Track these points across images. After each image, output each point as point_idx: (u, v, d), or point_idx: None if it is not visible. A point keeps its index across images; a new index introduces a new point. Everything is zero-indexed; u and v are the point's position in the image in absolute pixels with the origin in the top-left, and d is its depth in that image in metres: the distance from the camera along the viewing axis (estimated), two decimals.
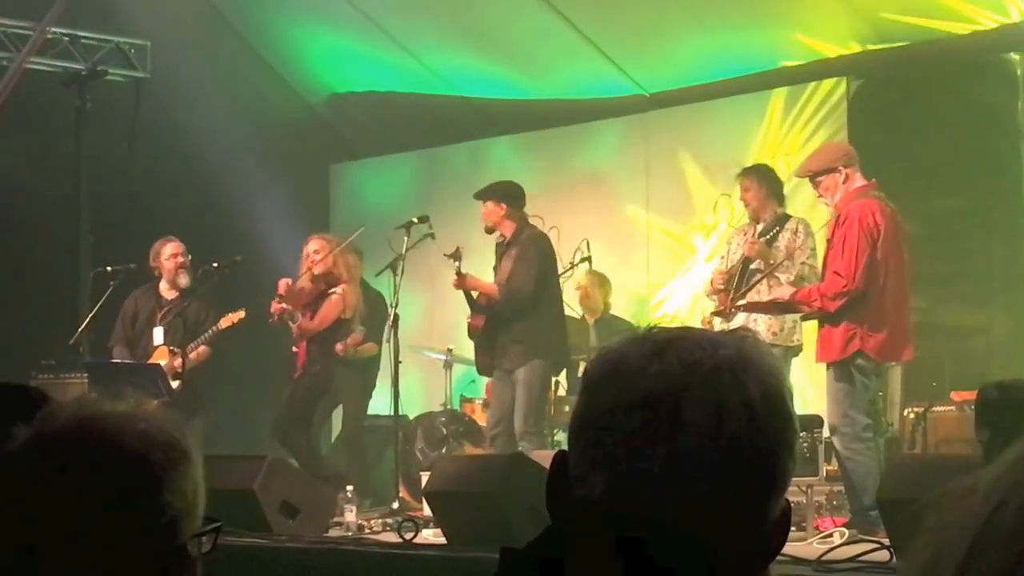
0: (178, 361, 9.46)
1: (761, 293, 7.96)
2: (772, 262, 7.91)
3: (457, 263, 8.98)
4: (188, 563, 1.61)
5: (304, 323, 9.44)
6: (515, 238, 8.98)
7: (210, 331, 9.55)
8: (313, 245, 9.59)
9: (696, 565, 1.34)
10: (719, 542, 1.34)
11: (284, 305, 9.38)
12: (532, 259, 8.84)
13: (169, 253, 9.84)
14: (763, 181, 8.23)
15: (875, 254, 7.04)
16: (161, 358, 9.64)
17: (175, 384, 9.39)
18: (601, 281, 10.45)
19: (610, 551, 1.35)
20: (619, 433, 1.35)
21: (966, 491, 0.91)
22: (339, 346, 9.62)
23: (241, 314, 9.47)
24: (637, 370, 1.36)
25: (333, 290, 9.49)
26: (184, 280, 9.81)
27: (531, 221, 9.19)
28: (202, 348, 9.61)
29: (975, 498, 0.89)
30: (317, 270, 9.48)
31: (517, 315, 8.76)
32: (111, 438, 1.58)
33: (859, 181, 7.24)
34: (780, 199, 8.25)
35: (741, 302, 7.91)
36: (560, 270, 9.57)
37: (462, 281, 8.97)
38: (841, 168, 7.23)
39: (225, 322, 9.50)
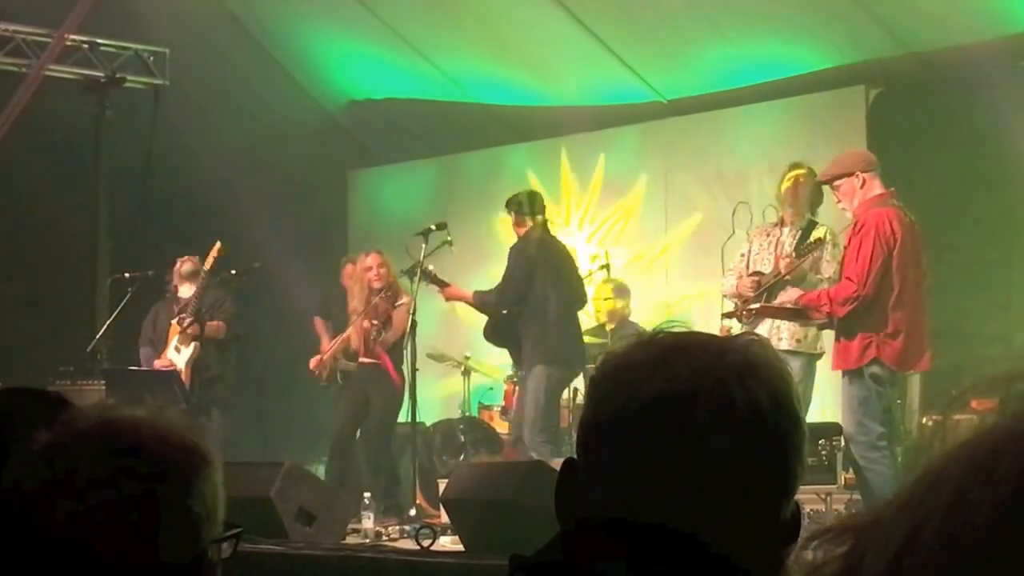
0: (191, 329, 9.61)
1: (780, 299, 7.95)
2: (803, 278, 7.89)
3: (434, 283, 9.37)
4: (208, 568, 1.61)
5: (386, 336, 9.58)
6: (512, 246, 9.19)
7: (201, 275, 9.73)
8: (374, 259, 9.71)
9: (706, 569, 1.34)
10: (728, 546, 1.34)
11: (371, 322, 9.54)
12: (511, 265, 9.03)
13: (178, 267, 10.11)
14: (815, 183, 8.12)
15: (890, 262, 7.03)
16: (174, 334, 9.79)
17: (190, 349, 9.54)
18: (620, 290, 10.41)
19: (619, 557, 1.35)
20: (627, 438, 1.36)
21: (871, 523, 0.90)
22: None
23: (217, 245, 9.78)
24: (645, 375, 1.36)
25: (400, 302, 9.64)
26: (188, 288, 10.00)
27: (550, 227, 9.28)
28: (217, 323, 9.77)
29: (878, 532, 0.88)
30: (377, 284, 9.58)
31: (506, 317, 8.98)
32: (132, 442, 1.58)
33: (878, 189, 7.22)
34: (814, 209, 8.16)
35: (753, 306, 7.88)
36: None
37: (448, 293, 9.42)
38: (858, 173, 7.21)
39: (208, 262, 9.69)
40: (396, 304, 9.66)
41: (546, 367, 8.86)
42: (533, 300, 8.98)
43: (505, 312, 9.04)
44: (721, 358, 1.36)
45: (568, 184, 11.97)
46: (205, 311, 9.70)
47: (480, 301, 9.22)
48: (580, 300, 9.23)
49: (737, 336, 1.44)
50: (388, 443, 9.60)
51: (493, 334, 9.27)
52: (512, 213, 9.18)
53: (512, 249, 9.17)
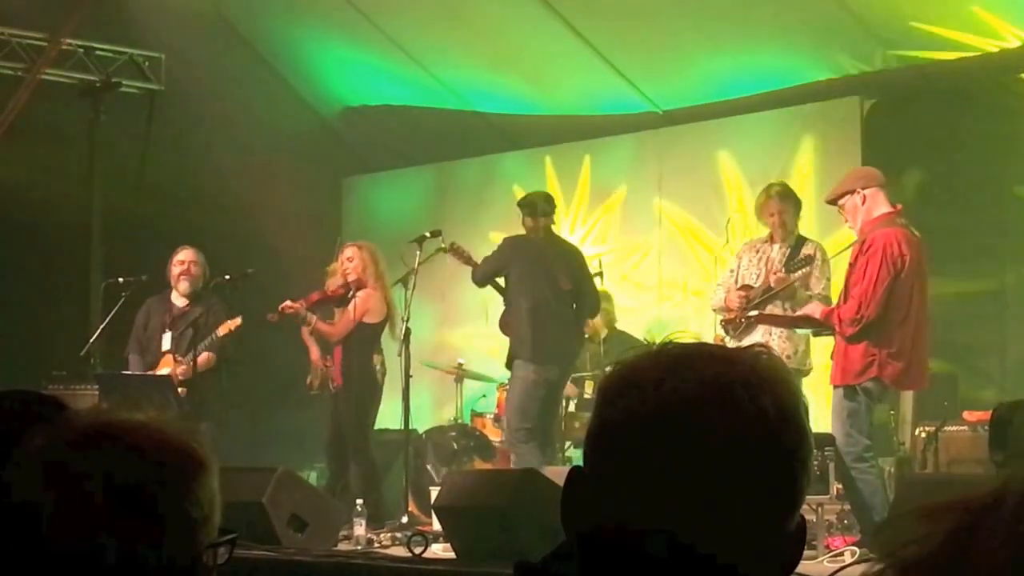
0: (181, 368, 9.50)
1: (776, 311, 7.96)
2: (793, 295, 7.91)
3: (464, 261, 9.50)
4: (204, 573, 1.61)
5: (320, 326, 9.50)
6: None
7: (210, 338, 9.56)
8: (348, 252, 9.67)
9: None
10: (735, 557, 1.34)
11: (294, 304, 9.42)
12: (491, 254, 9.28)
13: (176, 260, 9.87)
14: (789, 202, 8.18)
15: (897, 284, 7.03)
16: (167, 365, 9.67)
17: (179, 391, 9.46)
18: (604, 298, 10.41)
19: (625, 568, 1.35)
20: (634, 449, 1.35)
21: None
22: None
23: (238, 321, 9.50)
24: (652, 386, 1.36)
25: (356, 294, 9.56)
26: (184, 287, 9.80)
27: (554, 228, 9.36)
28: (207, 355, 9.61)
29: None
30: (351, 277, 9.56)
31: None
32: (130, 446, 1.57)
33: (883, 206, 7.22)
34: (798, 220, 8.23)
35: (752, 313, 7.89)
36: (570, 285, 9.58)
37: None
38: (858, 190, 7.22)
39: (223, 329, 9.53)
40: (355, 292, 9.55)
41: (522, 362, 8.98)
42: (511, 296, 9.10)
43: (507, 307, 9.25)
44: (729, 369, 1.36)
45: (562, 192, 11.97)
46: (199, 343, 9.54)
47: (472, 270, 9.42)
48: (560, 301, 9.10)
49: (745, 348, 1.44)
50: (363, 443, 9.59)
51: (502, 325, 9.38)
52: (521, 213, 9.29)
53: (503, 240, 9.31)
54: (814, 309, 7.53)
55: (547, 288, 9.05)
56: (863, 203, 7.20)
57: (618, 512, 1.35)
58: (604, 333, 10.28)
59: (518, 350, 9.01)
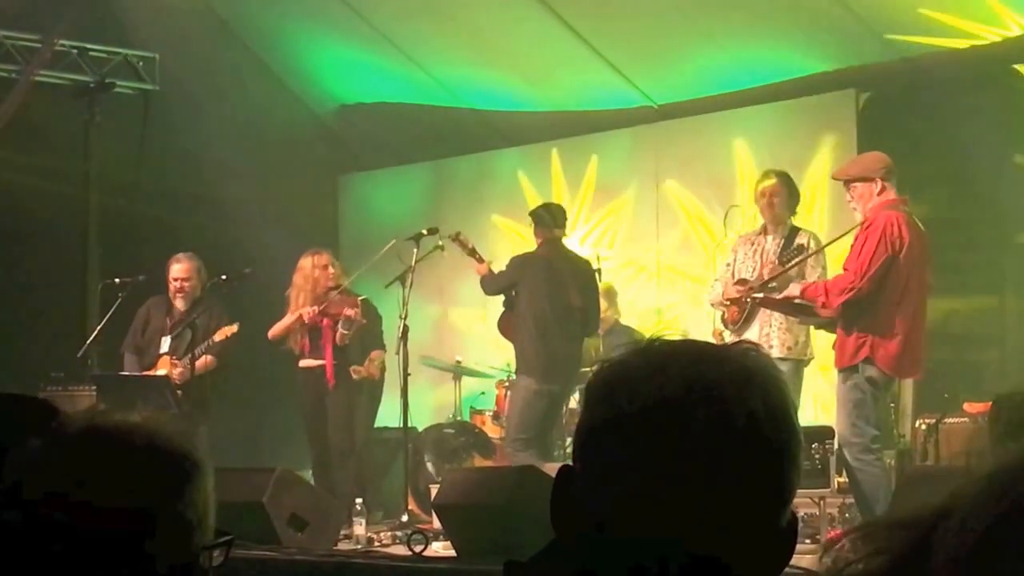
0: (178, 371, 9.50)
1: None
2: (788, 285, 7.92)
3: (470, 254, 9.47)
4: (199, 575, 1.60)
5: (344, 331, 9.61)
6: None
7: (207, 343, 9.56)
8: (323, 260, 9.76)
9: None
10: (725, 555, 1.34)
11: (355, 316, 9.52)
12: (504, 271, 9.26)
13: (172, 276, 9.86)
14: (789, 189, 8.21)
15: (894, 264, 7.02)
16: (163, 367, 9.67)
17: (177, 392, 9.47)
18: (607, 293, 10.41)
19: (615, 566, 1.35)
20: (623, 447, 1.35)
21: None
22: (356, 371, 9.73)
23: (234, 328, 9.55)
24: (640, 382, 1.36)
25: (360, 299, 9.70)
26: (181, 303, 9.82)
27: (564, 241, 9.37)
28: (208, 358, 9.62)
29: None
30: (332, 283, 9.61)
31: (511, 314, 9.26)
32: (123, 449, 1.57)
33: (891, 194, 7.22)
34: (794, 211, 8.24)
35: (758, 295, 7.89)
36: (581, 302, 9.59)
37: (478, 269, 9.48)
38: (878, 179, 7.20)
39: (219, 335, 9.54)
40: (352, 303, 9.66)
41: (524, 377, 9.02)
42: (519, 311, 9.07)
43: (506, 309, 9.27)
44: (717, 366, 1.36)
45: (559, 189, 11.96)
46: (196, 341, 9.53)
47: (481, 280, 9.41)
48: (569, 318, 9.09)
49: (734, 344, 1.44)
50: (353, 443, 9.60)
51: (501, 327, 9.38)
52: (533, 225, 9.28)
53: (512, 258, 9.27)
54: (794, 289, 7.53)
55: (556, 305, 9.05)
56: (879, 192, 7.19)
57: (607, 510, 1.35)
58: (606, 328, 10.27)
59: (523, 365, 9.03)
